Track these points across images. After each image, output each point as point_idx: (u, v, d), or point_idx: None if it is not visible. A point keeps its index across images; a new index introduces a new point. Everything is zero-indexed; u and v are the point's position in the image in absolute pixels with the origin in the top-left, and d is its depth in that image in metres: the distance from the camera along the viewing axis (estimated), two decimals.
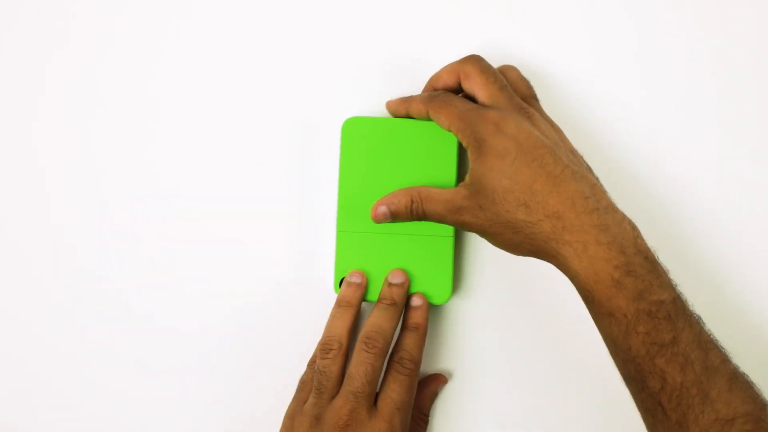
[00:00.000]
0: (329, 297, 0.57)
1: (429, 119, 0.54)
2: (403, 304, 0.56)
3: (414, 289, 0.56)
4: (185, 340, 0.60)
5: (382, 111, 0.57)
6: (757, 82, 0.59)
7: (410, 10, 0.60)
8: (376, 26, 0.60)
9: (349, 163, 0.56)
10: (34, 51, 0.60)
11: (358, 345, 0.53)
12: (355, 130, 0.56)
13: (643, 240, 0.50)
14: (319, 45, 0.60)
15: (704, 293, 0.58)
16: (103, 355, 0.60)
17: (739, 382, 0.48)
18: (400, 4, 0.60)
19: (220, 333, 0.60)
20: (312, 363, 0.57)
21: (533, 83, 0.57)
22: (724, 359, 0.48)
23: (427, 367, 0.59)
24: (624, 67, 0.60)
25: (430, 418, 0.59)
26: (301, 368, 0.57)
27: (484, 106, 0.52)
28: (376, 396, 0.53)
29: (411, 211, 0.53)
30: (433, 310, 0.59)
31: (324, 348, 0.54)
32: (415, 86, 0.58)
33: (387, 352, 0.53)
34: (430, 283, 0.56)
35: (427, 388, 0.58)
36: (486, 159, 0.50)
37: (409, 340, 0.55)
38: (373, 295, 0.56)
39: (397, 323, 0.55)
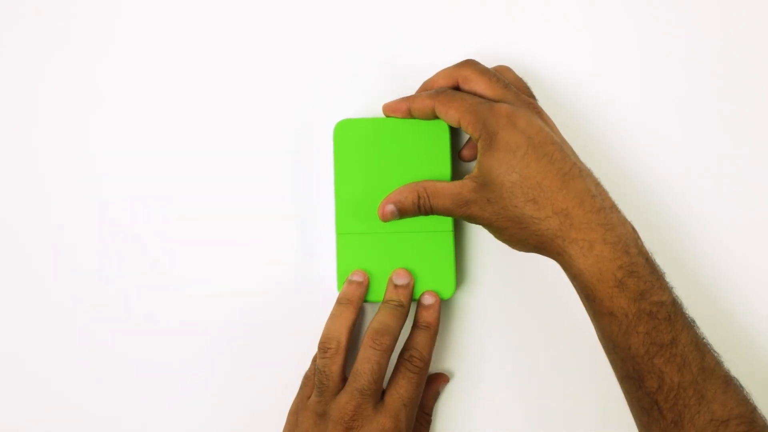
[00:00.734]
0: (330, 296, 0.57)
1: (433, 115, 0.54)
2: (409, 303, 0.56)
3: (418, 286, 0.56)
4: (186, 339, 0.60)
5: (379, 111, 0.57)
6: (757, 82, 0.60)
7: (409, 10, 0.60)
8: (375, 27, 0.60)
9: (344, 166, 0.56)
10: (34, 51, 0.60)
11: (365, 341, 0.53)
12: (347, 132, 0.56)
13: (642, 242, 0.51)
14: (320, 45, 0.60)
15: (698, 295, 0.59)
16: (104, 355, 0.60)
17: (732, 384, 0.49)
18: (398, 5, 0.60)
19: (221, 333, 0.60)
20: (315, 359, 0.57)
21: (531, 83, 0.57)
22: (718, 362, 0.49)
23: (430, 366, 0.59)
24: (623, 68, 0.60)
25: (432, 417, 0.59)
26: (302, 367, 0.58)
27: (493, 100, 0.53)
28: (383, 392, 0.53)
29: (419, 206, 0.54)
30: None
31: (323, 347, 0.54)
32: (413, 87, 0.58)
33: (393, 350, 0.53)
34: (433, 279, 0.56)
35: (429, 388, 0.59)
36: (496, 153, 0.50)
37: (420, 339, 0.55)
38: (376, 294, 0.56)
39: (404, 322, 0.55)
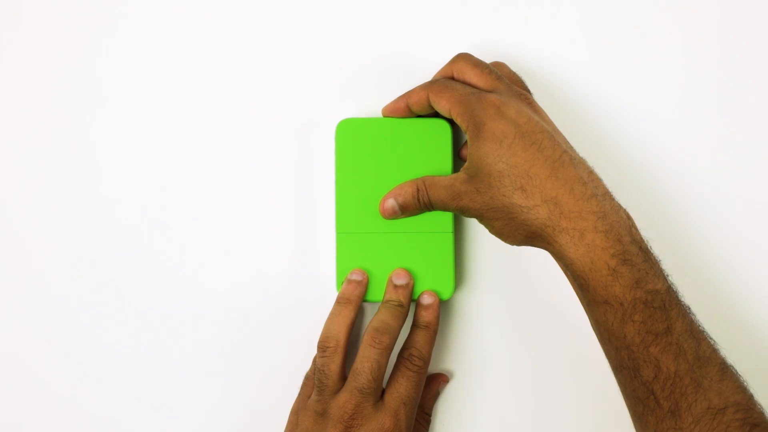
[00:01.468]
0: (330, 295, 0.57)
1: (430, 107, 0.54)
2: (409, 304, 0.56)
3: (417, 287, 0.56)
4: (185, 338, 0.60)
5: (382, 108, 0.57)
6: (754, 74, 0.60)
7: (412, 10, 0.60)
8: (377, 26, 0.61)
9: (345, 165, 0.57)
10: (36, 49, 0.61)
11: (365, 340, 0.53)
12: (348, 132, 0.57)
13: (637, 229, 0.50)
14: (321, 44, 0.61)
15: (695, 283, 0.59)
16: (104, 352, 0.60)
17: (728, 372, 0.48)
18: (401, 4, 0.60)
19: (221, 331, 0.60)
20: (316, 359, 0.57)
21: (532, 83, 0.57)
22: (714, 349, 0.49)
23: (430, 366, 0.59)
24: (620, 62, 0.60)
25: (432, 417, 0.59)
26: (302, 366, 0.58)
27: (485, 90, 0.53)
28: (383, 391, 0.53)
29: (418, 200, 0.54)
30: None
31: (321, 346, 0.54)
32: (412, 84, 0.58)
33: (392, 349, 0.53)
34: (432, 280, 0.56)
35: (429, 388, 0.58)
36: (483, 143, 0.50)
37: (420, 338, 0.55)
38: (375, 294, 0.56)
39: (404, 322, 0.55)
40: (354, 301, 0.55)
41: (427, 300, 0.56)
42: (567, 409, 0.59)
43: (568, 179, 0.49)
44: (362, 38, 0.61)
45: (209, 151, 0.60)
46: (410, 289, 0.56)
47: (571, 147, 0.53)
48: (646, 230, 0.51)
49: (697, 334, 0.48)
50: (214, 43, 0.61)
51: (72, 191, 0.60)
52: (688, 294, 0.50)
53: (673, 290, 0.49)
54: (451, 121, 0.56)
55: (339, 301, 0.55)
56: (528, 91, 0.56)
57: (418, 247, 0.57)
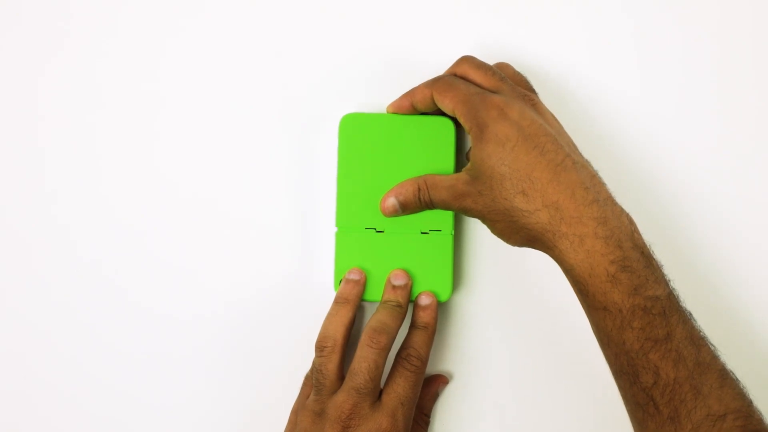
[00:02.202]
0: (330, 295, 0.57)
1: (434, 105, 0.54)
2: (407, 304, 0.56)
3: (415, 287, 0.56)
4: (187, 339, 0.60)
5: (382, 107, 0.57)
6: (755, 74, 0.60)
7: (408, 10, 0.60)
8: (381, 21, 0.61)
9: (348, 160, 0.56)
10: (36, 50, 0.61)
11: (362, 340, 0.53)
12: (352, 126, 0.57)
13: (639, 234, 0.50)
14: (320, 44, 0.61)
15: (697, 288, 0.58)
16: (106, 350, 0.60)
17: (728, 378, 0.48)
18: (398, 5, 0.60)
19: (220, 330, 0.60)
20: None
21: (534, 82, 0.57)
22: (714, 355, 0.48)
23: (428, 367, 0.59)
24: (620, 62, 0.60)
25: (431, 418, 0.59)
26: (301, 366, 0.58)
27: (489, 91, 0.52)
28: (381, 391, 0.53)
29: (419, 199, 0.54)
30: None
31: (319, 346, 0.54)
32: (414, 81, 0.58)
33: (390, 349, 0.53)
34: (430, 281, 0.56)
35: (428, 389, 0.58)
36: (486, 145, 0.50)
37: (418, 339, 0.55)
38: (373, 294, 0.56)
39: (402, 322, 0.55)
40: (352, 300, 0.55)
41: (425, 301, 0.56)
42: (566, 410, 0.59)
43: (569, 184, 0.49)
44: (362, 38, 0.61)
45: (208, 151, 0.60)
46: (408, 289, 0.56)
47: (576, 149, 0.53)
48: (644, 230, 0.51)
49: (697, 341, 0.48)
50: (214, 43, 0.61)
51: (72, 191, 0.60)
52: (687, 295, 0.50)
53: (674, 296, 0.49)
54: (454, 120, 0.56)
55: (337, 301, 0.55)
56: (533, 91, 0.56)
57: (417, 248, 0.56)
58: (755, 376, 0.51)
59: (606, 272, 0.48)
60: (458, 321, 0.60)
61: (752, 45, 0.60)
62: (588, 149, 0.54)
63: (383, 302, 0.56)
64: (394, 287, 0.56)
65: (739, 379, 0.49)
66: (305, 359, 0.58)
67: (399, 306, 0.55)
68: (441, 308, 0.59)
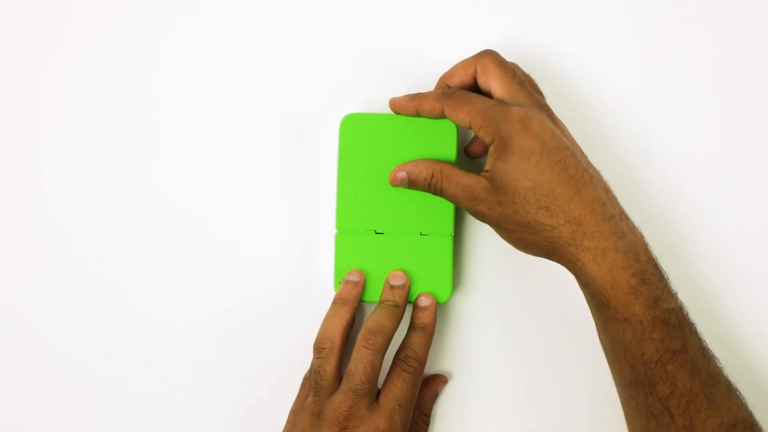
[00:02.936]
0: (330, 296, 0.57)
1: (441, 116, 0.53)
2: (404, 305, 0.56)
3: (414, 288, 0.56)
4: (186, 339, 0.60)
5: (382, 107, 0.57)
6: (755, 74, 0.60)
7: (409, 10, 0.60)
8: (375, 26, 0.61)
9: (348, 160, 0.56)
10: (36, 50, 0.61)
11: (359, 341, 0.53)
12: (353, 127, 0.56)
13: (649, 248, 0.50)
14: (320, 44, 0.60)
15: (692, 298, 0.58)
16: (106, 351, 0.60)
17: (734, 389, 0.49)
18: (398, 5, 0.60)
19: (219, 331, 0.60)
20: None
21: (539, 79, 0.57)
22: (720, 366, 0.50)
23: (428, 367, 0.59)
24: (620, 62, 0.60)
25: (431, 418, 0.59)
26: (302, 367, 0.58)
27: (505, 102, 0.52)
28: (379, 392, 0.53)
29: (429, 185, 0.53)
30: None
31: (317, 347, 0.54)
32: (414, 80, 0.59)
33: (386, 349, 0.53)
34: (430, 282, 0.56)
35: (427, 389, 0.58)
36: (510, 158, 0.50)
37: (416, 340, 0.55)
38: (373, 295, 0.56)
39: (399, 323, 0.55)
40: (350, 302, 0.55)
41: (424, 302, 0.56)
42: (565, 411, 0.59)
43: (589, 200, 0.49)
44: (362, 38, 0.61)
45: (208, 152, 0.60)
46: (406, 290, 0.56)
47: (588, 160, 0.53)
48: (643, 227, 0.51)
49: (706, 352, 0.49)
50: (213, 43, 0.61)
51: (72, 191, 0.61)
52: (686, 296, 0.51)
53: (684, 308, 0.50)
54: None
55: (335, 302, 0.55)
56: (541, 93, 0.56)
57: (416, 249, 0.56)
58: (747, 387, 0.52)
59: (628, 284, 0.48)
60: (458, 322, 0.59)
61: (752, 45, 0.60)
62: (588, 149, 0.54)
63: (380, 302, 0.55)
64: (392, 287, 0.56)
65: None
66: (305, 360, 0.58)
67: (396, 306, 0.55)
68: (440, 309, 0.59)
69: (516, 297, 0.59)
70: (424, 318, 0.56)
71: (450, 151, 0.56)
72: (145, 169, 0.61)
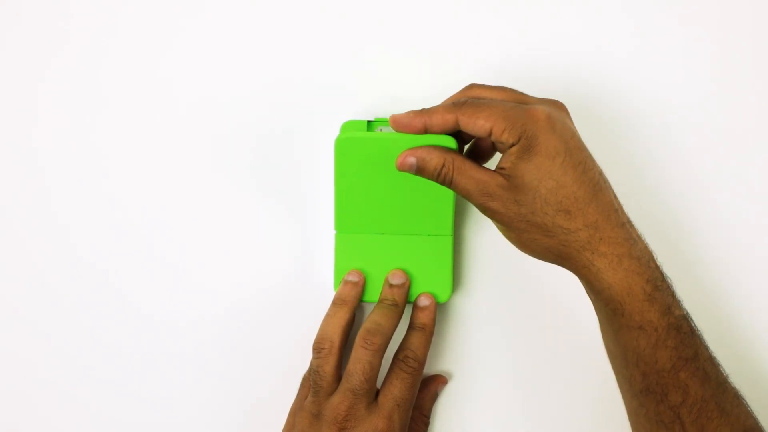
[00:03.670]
0: (329, 296, 0.57)
1: (453, 130, 0.49)
2: (404, 304, 0.56)
3: (414, 289, 0.56)
4: (186, 339, 0.60)
5: (382, 107, 0.57)
6: (755, 74, 0.60)
7: (408, 10, 0.60)
8: (375, 26, 0.61)
9: (344, 179, 0.54)
10: (36, 50, 0.61)
11: (357, 341, 0.53)
12: (348, 149, 0.53)
13: (655, 255, 0.50)
14: (320, 44, 0.60)
15: (696, 301, 0.58)
16: (106, 351, 0.60)
17: (741, 396, 0.49)
18: (398, 5, 0.60)
19: (219, 331, 0.60)
20: None
21: (527, 81, 0.57)
22: (726, 375, 0.49)
23: (428, 368, 0.59)
24: (620, 62, 0.60)
25: (430, 419, 0.59)
26: (301, 367, 0.58)
27: (525, 102, 0.50)
28: (378, 392, 0.53)
29: (439, 174, 0.50)
30: None
31: (316, 347, 0.54)
32: (414, 80, 0.58)
33: (385, 349, 0.53)
34: (430, 282, 0.56)
35: (427, 389, 0.58)
36: (535, 157, 0.48)
37: (415, 340, 0.55)
38: (372, 295, 0.56)
39: (398, 323, 0.55)
40: (350, 302, 0.55)
41: (423, 302, 0.56)
42: (565, 411, 0.59)
43: (605, 205, 0.48)
44: (362, 38, 0.60)
45: (208, 151, 0.60)
46: (406, 289, 0.56)
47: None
48: (643, 227, 0.51)
49: (714, 360, 0.49)
50: (214, 43, 0.61)
51: (72, 191, 0.61)
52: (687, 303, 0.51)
53: (690, 316, 0.49)
54: (458, 139, 0.51)
55: (335, 302, 0.55)
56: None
57: (416, 250, 0.56)
58: (748, 392, 0.51)
59: (643, 291, 0.48)
60: (457, 322, 0.59)
61: (752, 45, 0.60)
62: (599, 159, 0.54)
63: (379, 301, 0.56)
64: (391, 286, 0.56)
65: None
66: (304, 360, 0.58)
67: (395, 305, 0.55)
68: (440, 309, 0.59)
69: (516, 297, 0.59)
70: (423, 318, 0.56)
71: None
72: (145, 169, 0.61)
